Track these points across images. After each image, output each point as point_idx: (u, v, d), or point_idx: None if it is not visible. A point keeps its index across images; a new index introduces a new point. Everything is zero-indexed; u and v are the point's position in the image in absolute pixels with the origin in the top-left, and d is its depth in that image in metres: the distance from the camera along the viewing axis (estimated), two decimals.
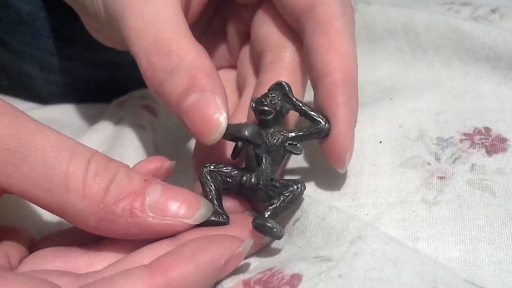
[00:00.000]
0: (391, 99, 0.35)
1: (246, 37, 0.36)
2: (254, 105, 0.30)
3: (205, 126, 0.27)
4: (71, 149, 0.25)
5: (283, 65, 0.32)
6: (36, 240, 0.30)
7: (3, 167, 0.24)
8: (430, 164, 0.30)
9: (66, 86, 0.48)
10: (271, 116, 0.29)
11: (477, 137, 0.31)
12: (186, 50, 0.29)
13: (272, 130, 0.29)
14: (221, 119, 0.27)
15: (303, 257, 0.26)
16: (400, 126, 0.33)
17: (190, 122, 0.28)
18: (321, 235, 0.27)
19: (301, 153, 0.29)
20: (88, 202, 0.25)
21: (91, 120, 0.46)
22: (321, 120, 0.29)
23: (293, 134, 0.29)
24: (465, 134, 0.31)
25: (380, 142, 0.32)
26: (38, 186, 0.25)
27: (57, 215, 0.26)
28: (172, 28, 0.29)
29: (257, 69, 0.33)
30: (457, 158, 0.30)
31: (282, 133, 0.29)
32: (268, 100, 0.29)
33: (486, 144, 0.30)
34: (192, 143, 0.41)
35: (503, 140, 0.30)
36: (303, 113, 0.29)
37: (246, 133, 0.27)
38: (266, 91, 0.30)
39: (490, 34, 0.35)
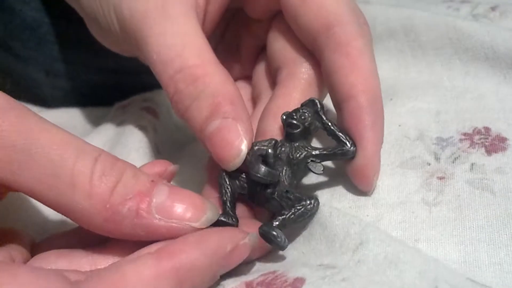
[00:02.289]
0: (391, 99, 0.35)
1: (259, 50, 0.36)
2: (284, 117, 0.30)
3: (226, 152, 0.28)
4: (77, 147, 0.25)
5: (297, 81, 0.32)
6: (38, 243, 0.30)
7: (9, 164, 0.24)
8: (430, 164, 0.30)
9: (71, 91, 0.49)
10: (298, 130, 0.29)
11: (477, 136, 0.31)
12: (211, 76, 0.29)
13: (297, 144, 0.29)
14: (242, 146, 0.28)
15: (307, 263, 0.26)
16: (399, 126, 0.33)
17: (212, 148, 0.29)
18: (325, 243, 0.27)
19: (322, 173, 0.29)
20: (94, 202, 0.25)
21: (94, 123, 0.46)
22: (347, 142, 0.29)
23: (316, 151, 0.29)
24: (464, 134, 0.31)
25: None
26: (44, 184, 0.25)
27: (62, 213, 0.26)
28: (197, 53, 0.30)
29: (273, 83, 0.34)
30: (457, 157, 0.30)
31: (306, 149, 0.29)
32: (298, 114, 0.29)
33: (486, 143, 0.30)
34: (193, 145, 0.41)
35: (503, 139, 0.30)
36: (330, 133, 0.29)
37: (258, 175, 0.28)
38: (297, 105, 0.30)
39: (489, 34, 0.34)
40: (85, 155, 0.25)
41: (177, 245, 0.25)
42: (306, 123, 0.29)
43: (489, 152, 0.30)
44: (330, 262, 0.26)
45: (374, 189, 0.29)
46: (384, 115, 0.30)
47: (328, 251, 0.27)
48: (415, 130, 0.32)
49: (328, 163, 0.32)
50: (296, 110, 0.30)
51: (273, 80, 0.34)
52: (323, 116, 0.29)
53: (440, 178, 0.29)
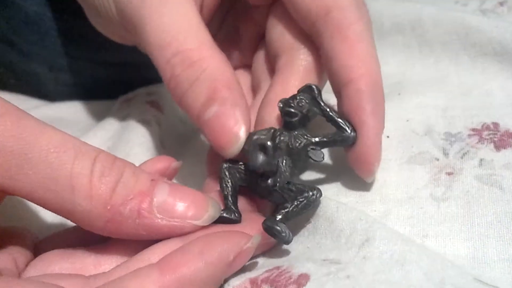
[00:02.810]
0: (399, 94, 0.35)
1: (259, 37, 0.36)
2: (281, 105, 0.29)
3: (223, 138, 0.28)
4: (75, 149, 0.25)
5: (296, 68, 0.31)
6: (40, 241, 0.29)
7: (6, 169, 0.24)
8: (438, 159, 0.30)
9: (74, 85, 0.48)
10: (297, 118, 0.28)
11: (486, 132, 0.31)
12: (208, 60, 0.29)
13: (296, 132, 0.29)
14: (240, 133, 0.28)
15: (311, 258, 0.26)
16: (407, 121, 0.33)
17: (210, 134, 0.28)
18: (331, 238, 0.27)
19: (322, 160, 0.28)
20: (95, 203, 0.25)
21: (98, 117, 0.46)
22: (347, 128, 0.28)
23: (316, 139, 0.28)
24: (473, 130, 0.31)
25: (388, 136, 0.32)
26: (43, 188, 0.24)
27: (63, 216, 0.26)
28: (194, 37, 0.30)
29: (272, 71, 0.33)
30: (466, 153, 0.30)
31: (305, 137, 0.29)
32: (295, 102, 0.29)
33: (495, 139, 0.30)
34: (197, 139, 0.41)
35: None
36: (329, 119, 0.29)
37: (255, 165, 0.27)
38: (296, 92, 0.29)
39: (497, 29, 0.34)
40: (83, 156, 0.25)
41: (180, 256, 0.24)
42: (304, 110, 0.29)
43: (498, 148, 0.30)
44: (335, 257, 0.25)
45: (375, 178, 0.29)
46: (384, 99, 0.29)
47: (333, 246, 0.26)
48: (423, 125, 0.32)
49: (335, 157, 0.32)
50: (293, 97, 0.29)
51: (273, 68, 0.33)
52: (321, 102, 0.29)
53: (449, 174, 0.29)
